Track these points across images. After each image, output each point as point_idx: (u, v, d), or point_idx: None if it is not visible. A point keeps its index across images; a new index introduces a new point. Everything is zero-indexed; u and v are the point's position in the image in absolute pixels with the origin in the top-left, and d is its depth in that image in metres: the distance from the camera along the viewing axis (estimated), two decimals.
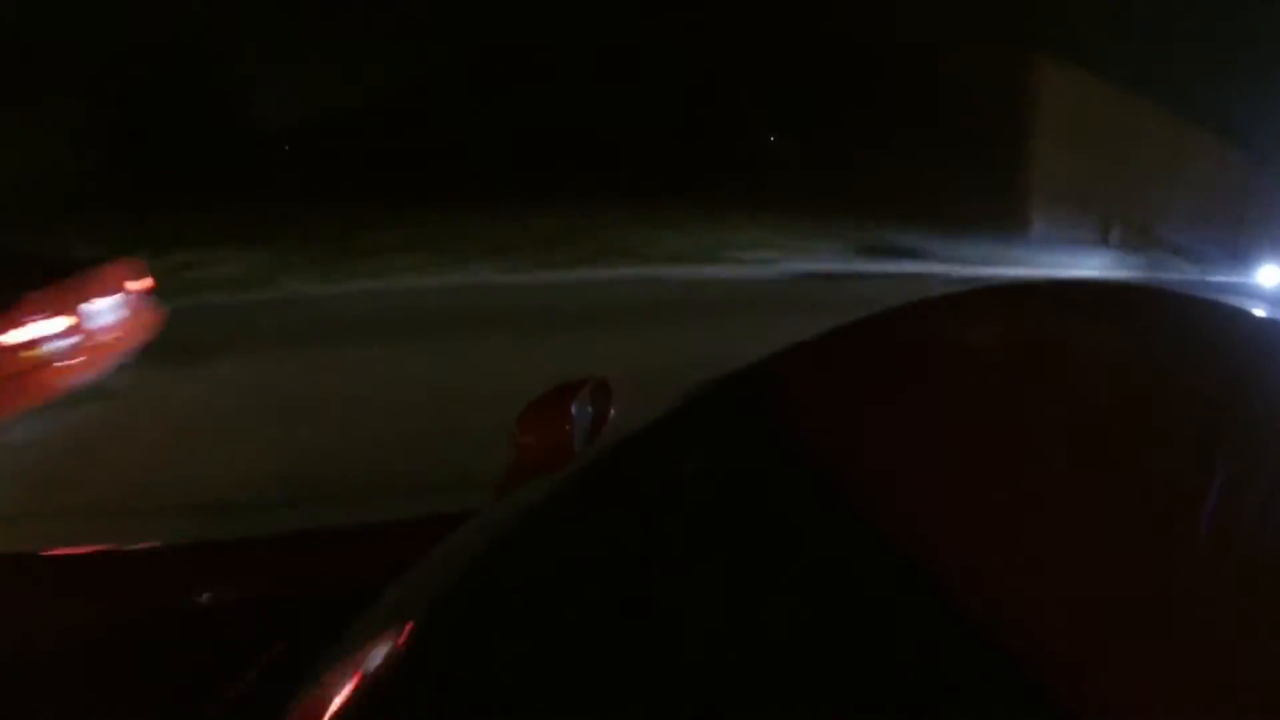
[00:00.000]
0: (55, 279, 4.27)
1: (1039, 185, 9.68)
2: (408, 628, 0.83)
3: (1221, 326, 0.84)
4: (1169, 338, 0.82)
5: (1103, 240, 9.32)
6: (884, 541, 0.62)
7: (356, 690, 0.78)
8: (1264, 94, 8.00)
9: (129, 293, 4.56)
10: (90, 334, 4.25)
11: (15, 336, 3.94)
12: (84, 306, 4.25)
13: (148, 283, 4.75)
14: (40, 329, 4.03)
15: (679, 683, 0.61)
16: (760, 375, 0.90)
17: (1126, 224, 9.33)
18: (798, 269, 7.86)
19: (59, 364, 4.09)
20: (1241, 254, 8.33)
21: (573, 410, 1.41)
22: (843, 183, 11.04)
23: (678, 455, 0.85)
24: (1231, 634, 0.53)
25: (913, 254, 8.41)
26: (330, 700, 0.79)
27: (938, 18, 9.91)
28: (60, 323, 4.14)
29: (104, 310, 4.36)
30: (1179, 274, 8.33)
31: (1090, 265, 8.62)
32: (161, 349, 4.65)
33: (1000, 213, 9.60)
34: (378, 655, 0.82)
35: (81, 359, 4.20)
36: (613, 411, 1.51)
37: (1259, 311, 0.88)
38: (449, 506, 1.29)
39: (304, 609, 1.11)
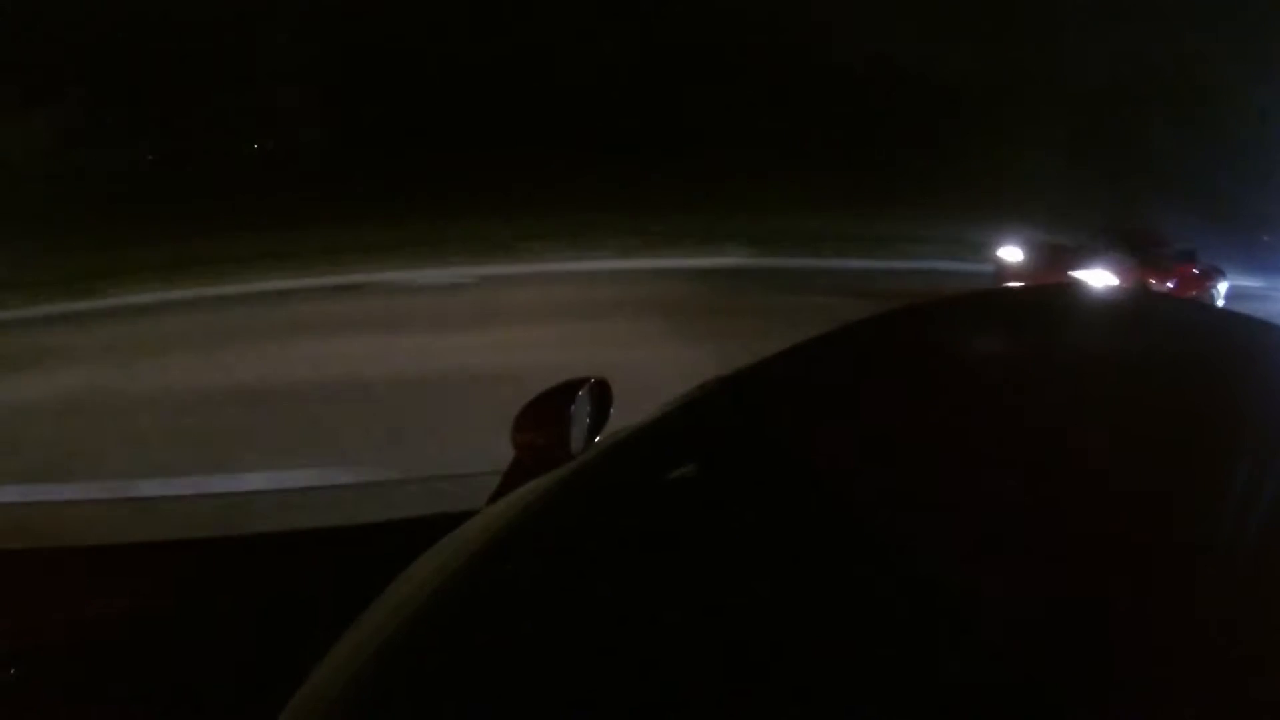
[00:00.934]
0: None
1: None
2: (406, 628, 0.83)
3: (1209, 329, 0.85)
4: (1160, 341, 0.83)
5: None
6: (874, 542, 0.63)
7: (354, 690, 0.79)
8: None
9: None
10: None
11: None
12: None
13: None
14: None
15: (674, 682, 0.62)
16: (754, 378, 0.91)
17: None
18: None
19: None
20: None
21: (571, 410, 1.41)
22: None
23: (674, 457, 0.85)
24: (1230, 636, 0.53)
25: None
26: (329, 700, 0.80)
27: None
28: None
29: None
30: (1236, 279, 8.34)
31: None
32: None
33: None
34: (376, 655, 0.82)
35: None
36: (612, 411, 1.52)
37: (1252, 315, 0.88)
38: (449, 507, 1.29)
39: (304, 609, 1.12)
